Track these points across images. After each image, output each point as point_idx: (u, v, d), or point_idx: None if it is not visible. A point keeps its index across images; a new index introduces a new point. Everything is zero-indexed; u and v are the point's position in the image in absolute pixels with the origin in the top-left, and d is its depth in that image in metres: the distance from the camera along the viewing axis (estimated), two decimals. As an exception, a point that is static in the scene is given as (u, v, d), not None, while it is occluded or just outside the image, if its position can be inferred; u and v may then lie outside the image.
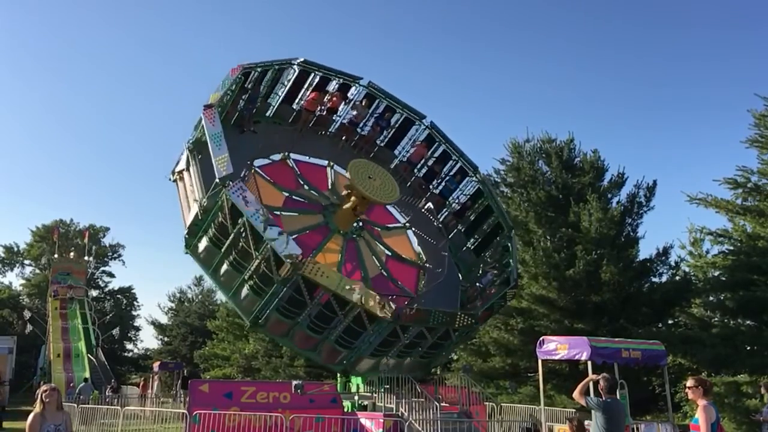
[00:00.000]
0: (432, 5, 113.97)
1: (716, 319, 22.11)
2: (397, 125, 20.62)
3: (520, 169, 26.70)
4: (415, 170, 21.13)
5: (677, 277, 23.79)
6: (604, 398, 8.09)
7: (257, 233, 14.47)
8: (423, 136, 20.61)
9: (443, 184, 21.09)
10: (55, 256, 52.33)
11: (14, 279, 66.20)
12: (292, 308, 15.41)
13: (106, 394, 30.52)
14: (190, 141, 16.44)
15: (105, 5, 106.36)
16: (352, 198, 17.67)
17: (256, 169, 17.90)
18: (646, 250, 44.46)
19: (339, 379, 19.05)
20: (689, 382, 7.40)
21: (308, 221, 18.08)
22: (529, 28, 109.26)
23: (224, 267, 15.95)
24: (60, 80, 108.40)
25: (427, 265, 20.11)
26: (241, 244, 15.05)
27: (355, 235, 18.72)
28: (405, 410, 15.75)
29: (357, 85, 19.73)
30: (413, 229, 20.69)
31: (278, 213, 16.83)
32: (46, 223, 64.55)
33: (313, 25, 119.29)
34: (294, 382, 15.29)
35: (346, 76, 19.51)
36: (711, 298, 22.11)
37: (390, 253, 19.57)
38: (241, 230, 14.81)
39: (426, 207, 21.16)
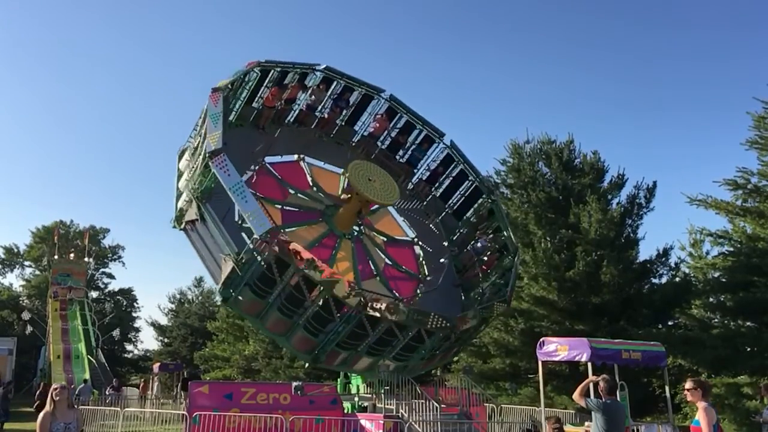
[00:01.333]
0: (431, 5, 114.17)
1: (716, 320, 22.08)
2: (356, 103, 20.38)
3: (521, 171, 26.71)
4: (378, 143, 20.90)
5: (677, 279, 23.78)
6: (604, 399, 8.09)
7: (312, 281, 14.59)
8: (383, 109, 20.37)
9: (409, 152, 20.96)
10: (55, 257, 52.31)
11: (14, 280, 66.12)
12: (352, 341, 15.72)
13: (107, 392, 30.65)
14: (198, 189, 15.78)
15: (106, 6, 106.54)
16: (356, 202, 17.66)
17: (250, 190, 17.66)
18: (646, 252, 44.55)
19: (339, 380, 19.09)
20: (688, 384, 7.38)
21: (312, 233, 17.95)
22: (529, 28, 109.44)
23: (272, 313, 15.66)
24: (60, 81, 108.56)
25: (418, 241, 20.30)
26: (290, 290, 15.00)
27: (357, 234, 18.76)
28: (405, 411, 15.75)
29: (313, 72, 19.42)
30: (393, 205, 20.60)
31: (282, 230, 16.44)
32: (46, 225, 64.51)
33: (312, 26, 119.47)
34: (294, 384, 15.34)
35: (303, 65, 19.24)
36: (711, 300, 22.09)
37: (385, 239, 19.61)
38: (291, 278, 14.77)
39: (403, 181, 20.95)
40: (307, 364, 19.23)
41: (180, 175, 17.84)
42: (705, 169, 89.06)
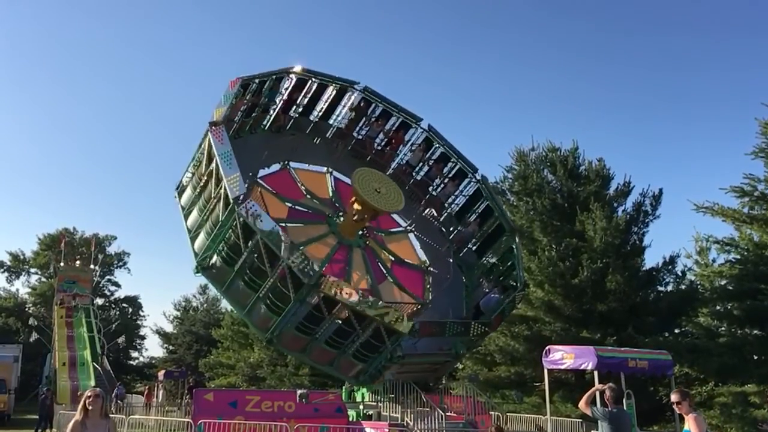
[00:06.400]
0: (437, 14, 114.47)
1: (723, 328, 21.96)
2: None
3: (527, 178, 26.64)
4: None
5: (683, 286, 23.66)
6: (610, 408, 8.03)
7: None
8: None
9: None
10: (61, 264, 52.39)
11: (20, 287, 66.20)
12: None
13: (118, 386, 30.97)
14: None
15: (114, 14, 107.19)
16: (360, 209, 17.67)
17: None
18: (652, 259, 44.23)
19: (344, 388, 19.03)
20: (674, 397, 7.22)
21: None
22: (533, 36, 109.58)
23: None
24: (66, 90, 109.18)
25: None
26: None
27: (360, 244, 18.74)
28: (410, 420, 15.69)
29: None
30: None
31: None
32: (51, 233, 64.51)
33: (314, 32, 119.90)
34: (299, 391, 15.36)
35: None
36: (718, 308, 21.99)
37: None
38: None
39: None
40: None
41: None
42: (711, 176, 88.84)
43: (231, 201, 14.56)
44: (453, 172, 20.97)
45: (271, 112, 19.33)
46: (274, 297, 15.34)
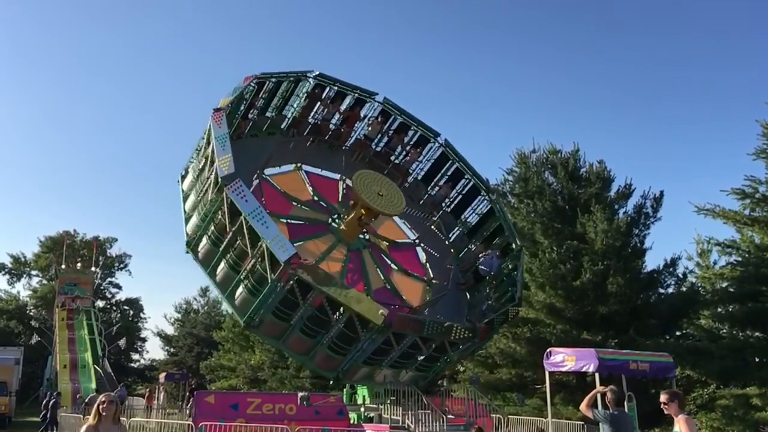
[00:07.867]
0: (437, 14, 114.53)
1: (725, 330, 21.92)
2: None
3: (528, 180, 26.62)
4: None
5: (684, 289, 23.62)
6: (611, 410, 8.02)
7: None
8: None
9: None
10: (62, 266, 52.41)
11: (21, 289, 66.26)
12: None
13: (119, 390, 31.01)
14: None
15: (113, 15, 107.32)
16: (365, 213, 17.60)
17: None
18: (653, 262, 44.20)
19: (345, 390, 19.00)
20: (663, 398, 7.16)
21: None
22: (535, 38, 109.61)
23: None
24: (67, 91, 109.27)
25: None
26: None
27: (365, 245, 18.68)
28: (411, 422, 15.67)
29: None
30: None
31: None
32: (52, 235, 64.52)
33: (312, 33, 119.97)
34: (300, 394, 15.33)
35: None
36: (719, 310, 21.95)
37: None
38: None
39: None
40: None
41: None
42: (713, 177, 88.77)
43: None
44: (414, 139, 20.81)
45: (234, 121, 18.80)
46: (338, 340, 15.32)
